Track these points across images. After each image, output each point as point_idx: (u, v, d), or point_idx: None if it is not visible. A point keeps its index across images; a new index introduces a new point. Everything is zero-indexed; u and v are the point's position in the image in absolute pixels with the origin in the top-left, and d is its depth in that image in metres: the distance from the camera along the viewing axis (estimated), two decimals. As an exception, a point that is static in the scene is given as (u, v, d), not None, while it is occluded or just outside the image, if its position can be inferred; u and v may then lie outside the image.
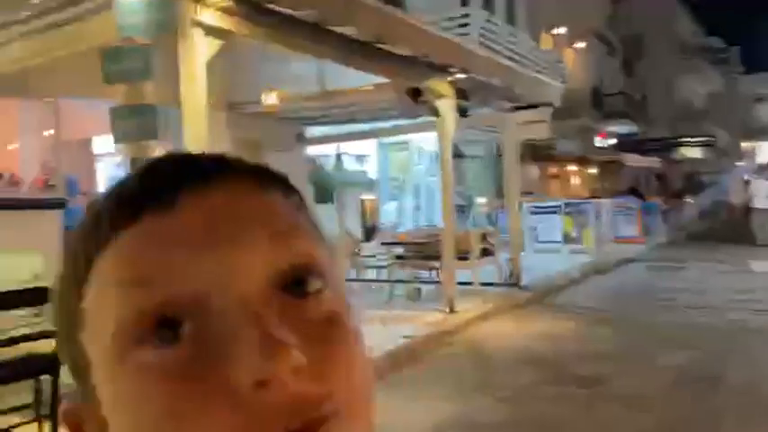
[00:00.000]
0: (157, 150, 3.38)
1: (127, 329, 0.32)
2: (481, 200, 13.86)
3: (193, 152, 0.37)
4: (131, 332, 0.31)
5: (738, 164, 38.00)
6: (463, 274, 7.80)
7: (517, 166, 8.68)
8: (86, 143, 8.92)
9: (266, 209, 0.35)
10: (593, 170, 23.08)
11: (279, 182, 0.38)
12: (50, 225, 6.50)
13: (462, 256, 7.77)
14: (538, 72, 8.04)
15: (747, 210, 15.57)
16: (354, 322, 0.36)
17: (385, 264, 8.33)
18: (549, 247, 12.97)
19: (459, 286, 7.42)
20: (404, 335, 5.80)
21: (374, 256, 8.77)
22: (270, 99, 5.89)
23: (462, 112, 6.54)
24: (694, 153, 33.08)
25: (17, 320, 4.15)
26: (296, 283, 0.34)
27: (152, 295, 0.31)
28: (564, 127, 20.64)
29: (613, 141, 24.78)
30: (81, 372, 0.35)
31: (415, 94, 6.06)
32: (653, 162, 25.74)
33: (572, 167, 22.17)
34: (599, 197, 17.53)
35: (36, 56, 4.53)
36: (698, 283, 9.34)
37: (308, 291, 0.34)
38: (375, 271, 8.54)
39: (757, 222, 14.85)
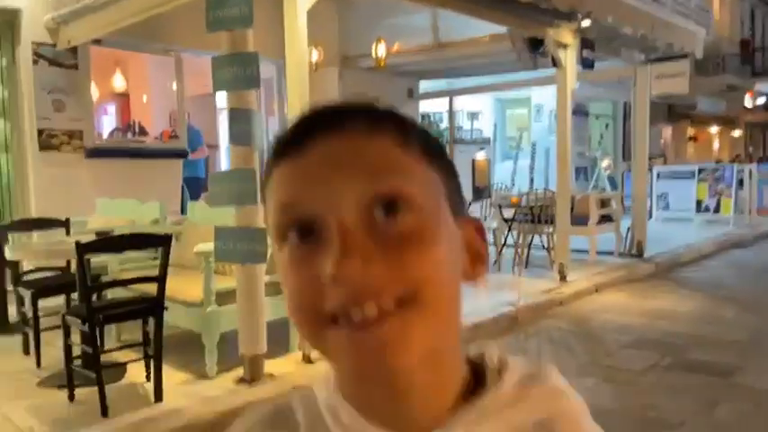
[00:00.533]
0: (255, 100, 3.29)
1: (280, 227, 0.48)
2: (605, 162, 12.89)
3: (333, 103, 0.50)
4: (282, 230, 0.48)
5: None
6: (579, 241, 7.29)
7: (647, 126, 7.86)
8: (210, 97, 9.32)
9: (371, 150, 0.47)
10: (738, 133, 20.75)
11: (390, 124, 0.49)
12: (170, 174, 6.83)
13: (579, 222, 7.25)
14: (679, 17, 7.14)
15: None
16: (443, 240, 0.47)
17: (494, 226, 7.98)
18: (680, 216, 11.88)
19: (574, 254, 6.94)
20: (508, 302, 5.51)
21: (483, 218, 8.44)
22: (380, 51, 5.66)
23: (588, 64, 5.94)
24: None
25: (134, 263, 4.38)
26: (388, 208, 0.46)
27: (290, 213, 0.47)
28: (706, 84, 18.58)
29: (763, 101, 22.05)
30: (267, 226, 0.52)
31: (535, 44, 5.55)
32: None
33: (713, 129, 20.07)
34: (743, 163, 15.78)
35: (157, 5, 4.61)
36: None
37: (397, 214, 0.46)
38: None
39: None
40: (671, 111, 17.03)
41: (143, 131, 7.82)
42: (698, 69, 20.18)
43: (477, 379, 0.53)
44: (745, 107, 20.94)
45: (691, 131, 18.79)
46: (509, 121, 14.33)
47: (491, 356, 0.55)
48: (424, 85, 9.41)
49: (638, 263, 7.62)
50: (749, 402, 3.53)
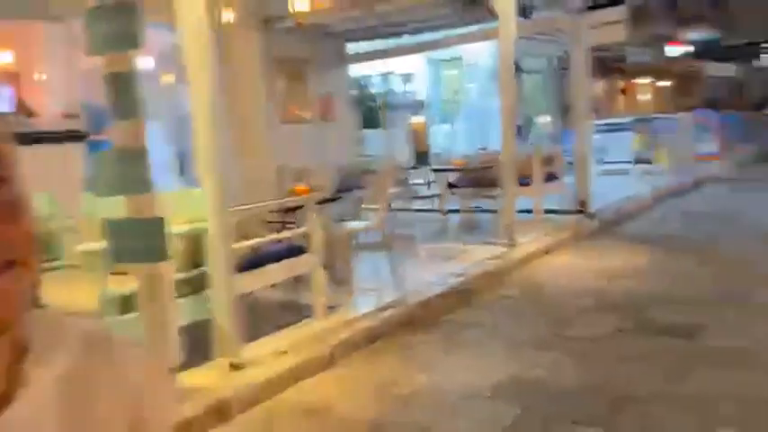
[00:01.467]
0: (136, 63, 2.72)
1: None
2: (543, 119, 12.73)
3: None
4: None
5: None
6: (524, 201, 7.03)
7: (586, 78, 7.61)
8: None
9: None
10: (666, 83, 21.16)
11: None
12: (69, 160, 6.06)
13: (524, 182, 6.97)
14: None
15: None
16: (26, 207, 0.53)
17: (437, 193, 7.63)
18: (617, 168, 11.89)
19: (521, 215, 6.68)
20: (456, 272, 5.17)
21: (427, 185, 8.07)
22: (298, 6, 5.09)
23: (525, 13, 5.56)
24: (779, 60, 29.97)
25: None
26: None
27: None
28: (634, 35, 18.74)
29: (688, 49, 22.53)
30: None
31: (468, -7, 5.12)
32: (731, 71, 23.41)
33: (642, 81, 20.37)
34: (671, 113, 16.05)
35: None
36: None
37: None
38: (428, 201, 7.85)
39: None
40: (601, 64, 17.07)
41: (31, 114, 6.93)
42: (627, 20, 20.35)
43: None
44: (670, 56, 21.33)
45: (621, 84, 18.99)
46: (445, 83, 13.94)
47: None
48: (355, 48, 8.86)
49: (585, 219, 7.44)
50: (719, 367, 3.31)
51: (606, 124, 12.38)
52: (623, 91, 19.21)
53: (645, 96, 21.04)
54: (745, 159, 14.53)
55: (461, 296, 4.84)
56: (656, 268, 5.56)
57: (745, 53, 26.57)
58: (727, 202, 8.96)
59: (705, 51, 22.42)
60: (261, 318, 4.07)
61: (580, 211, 7.61)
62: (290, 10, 5.18)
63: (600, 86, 18.04)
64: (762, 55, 28.49)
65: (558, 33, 8.44)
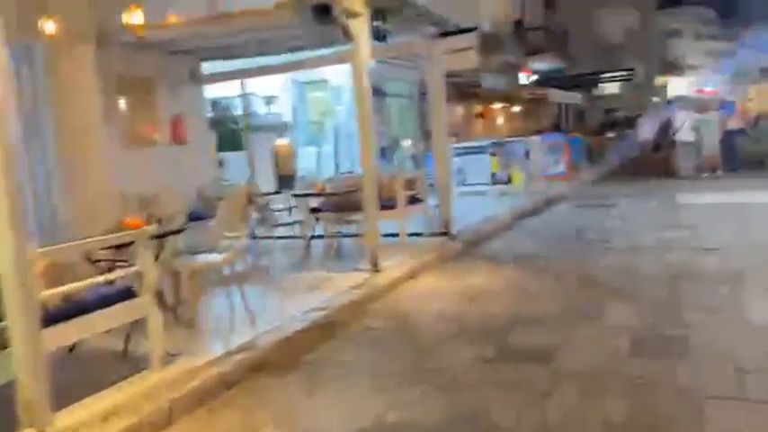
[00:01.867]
0: None
1: None
2: (406, 142, 12.94)
3: None
4: None
5: (654, 99, 38.93)
6: (389, 224, 6.95)
7: (443, 102, 7.75)
8: None
9: None
10: (517, 108, 22.60)
11: None
12: None
13: (387, 205, 6.89)
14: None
15: (671, 143, 15.73)
16: None
17: (298, 219, 7.33)
18: (476, 190, 12.36)
19: (386, 239, 6.58)
20: (317, 307, 4.88)
21: (288, 210, 7.74)
22: (135, 19, 4.59)
23: (380, 36, 5.50)
24: (614, 89, 33.38)
25: None
26: None
27: None
28: (488, 62, 19.84)
29: (536, 78, 24.32)
30: None
31: (323, 12, 4.93)
32: (575, 98, 25.60)
33: (497, 106, 21.58)
34: (523, 136, 17.08)
35: None
36: (629, 220, 8.97)
37: None
38: (290, 228, 7.51)
39: (680, 155, 15.07)
40: (459, 90, 17.84)
41: None
42: (480, 48, 21.52)
43: None
44: (521, 84, 22.87)
45: (478, 109, 19.95)
46: (310, 105, 13.73)
47: None
48: (211, 67, 8.36)
49: (448, 241, 7.51)
50: (573, 393, 3.30)
51: (465, 148, 12.83)
52: (480, 115, 20.21)
53: (500, 121, 22.30)
54: (589, 179, 15.77)
55: (324, 330, 4.56)
56: (514, 288, 5.66)
57: (586, 82, 29.25)
58: (575, 219, 9.55)
59: (551, 80, 24.35)
60: (89, 373, 3.51)
61: (444, 233, 7.68)
62: (124, 22, 4.67)
63: (458, 111, 18.82)
64: (600, 84, 31.55)
65: (416, 58, 8.54)
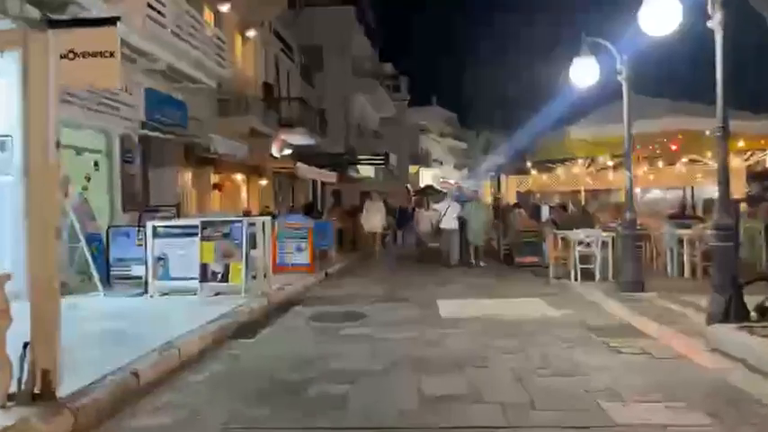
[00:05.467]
0: None
1: None
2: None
3: None
4: None
5: (407, 185, 39.73)
6: None
7: (51, 127, 4.08)
8: None
9: None
10: (265, 182, 19.64)
11: None
12: None
13: None
14: None
15: (437, 231, 14.79)
16: None
17: None
18: (182, 287, 8.65)
19: None
20: None
21: None
22: None
23: None
24: (369, 172, 32.75)
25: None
26: None
27: None
28: (230, 125, 16.65)
29: (290, 151, 21.84)
30: None
31: None
32: (330, 177, 23.63)
33: (240, 177, 18.31)
34: (272, 214, 14.02)
35: None
36: (377, 348, 5.94)
37: None
38: None
39: (446, 242, 14.28)
40: (189, 152, 14.23)
41: None
42: (221, 110, 18.38)
43: None
44: (272, 155, 20.07)
45: (215, 179, 16.44)
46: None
47: None
48: None
49: (42, 415, 3.67)
50: None
51: (171, 228, 9.12)
52: (219, 186, 16.69)
53: (245, 195, 19.04)
54: (334, 271, 13.11)
55: None
56: None
57: (342, 162, 27.79)
58: (301, 349, 6.17)
59: (307, 156, 21.98)
60: None
61: (37, 396, 3.81)
62: None
63: (189, 178, 15.11)
64: (358, 166, 30.54)
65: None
